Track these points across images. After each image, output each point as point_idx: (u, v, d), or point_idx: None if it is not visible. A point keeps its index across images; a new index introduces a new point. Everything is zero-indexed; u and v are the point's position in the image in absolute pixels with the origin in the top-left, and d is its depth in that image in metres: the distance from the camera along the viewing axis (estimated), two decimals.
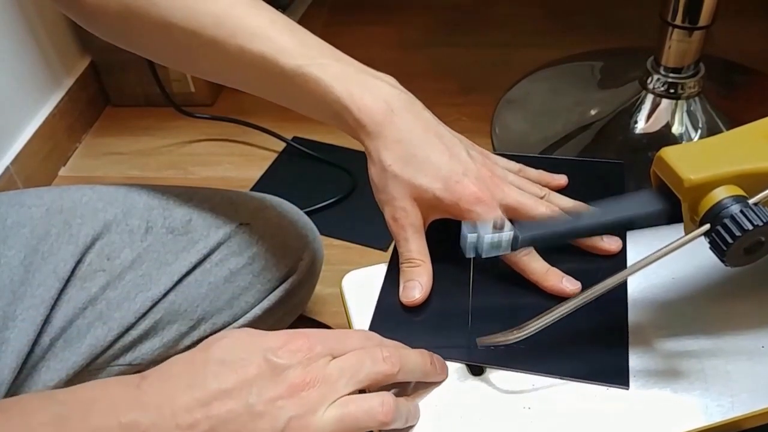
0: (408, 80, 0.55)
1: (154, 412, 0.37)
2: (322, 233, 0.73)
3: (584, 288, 0.46)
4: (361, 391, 0.41)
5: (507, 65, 1.24)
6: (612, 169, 0.61)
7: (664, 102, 1.00)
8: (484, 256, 0.43)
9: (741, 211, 0.39)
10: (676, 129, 1.00)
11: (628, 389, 0.43)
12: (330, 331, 0.43)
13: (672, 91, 0.99)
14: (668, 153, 0.42)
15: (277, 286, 0.66)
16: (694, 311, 0.48)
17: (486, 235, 0.42)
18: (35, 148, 1.08)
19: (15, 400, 0.40)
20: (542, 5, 1.42)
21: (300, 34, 0.54)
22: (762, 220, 0.38)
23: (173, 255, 0.61)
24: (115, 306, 0.58)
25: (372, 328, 0.49)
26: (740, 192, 0.40)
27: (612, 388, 0.44)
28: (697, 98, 1.00)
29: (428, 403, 0.44)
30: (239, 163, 1.12)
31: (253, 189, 1.05)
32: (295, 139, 1.12)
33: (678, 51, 0.96)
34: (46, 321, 0.56)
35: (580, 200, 0.54)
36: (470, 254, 0.43)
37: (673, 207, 0.42)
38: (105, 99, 1.26)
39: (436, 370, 0.45)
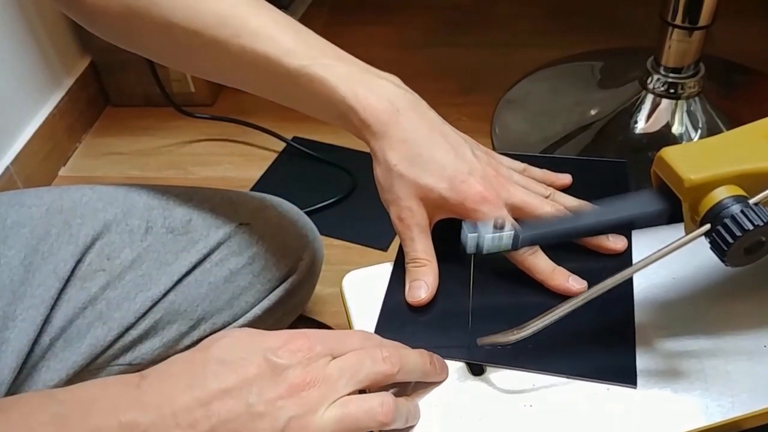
0: (408, 80, 0.55)
1: (154, 412, 0.37)
2: (322, 233, 0.73)
3: (590, 287, 0.46)
4: (362, 392, 0.41)
5: (507, 65, 1.24)
6: (616, 167, 0.61)
7: (664, 102, 1.00)
8: (484, 254, 0.43)
9: (741, 211, 0.39)
10: (676, 129, 1.00)
11: (635, 388, 0.43)
12: (330, 332, 0.43)
13: (672, 91, 0.99)
14: (668, 153, 0.42)
15: (277, 286, 0.66)
16: (695, 311, 0.48)
17: (486, 234, 0.42)
18: (35, 148, 1.08)
19: (14, 399, 0.40)
20: (542, 5, 1.42)
21: (304, 34, 0.54)
22: (762, 220, 0.38)
23: (173, 255, 0.61)
24: (115, 306, 0.58)
25: (378, 327, 0.49)
26: (741, 192, 0.40)
27: (612, 389, 0.44)
28: (697, 98, 1.00)
29: (428, 403, 0.44)
30: (239, 163, 1.12)
31: (253, 189, 1.05)
32: (295, 139, 1.12)
33: (678, 51, 0.96)
34: (46, 321, 0.56)
35: (584, 199, 0.54)
36: (471, 253, 0.43)
37: (673, 207, 0.42)
38: (105, 99, 1.26)
39: (436, 370, 0.45)
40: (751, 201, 0.40)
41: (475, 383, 0.45)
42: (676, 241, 0.40)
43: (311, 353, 0.40)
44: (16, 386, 0.54)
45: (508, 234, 0.42)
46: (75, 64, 1.21)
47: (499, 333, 0.44)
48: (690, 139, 0.99)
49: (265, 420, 0.37)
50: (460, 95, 1.20)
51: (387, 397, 0.40)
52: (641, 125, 1.01)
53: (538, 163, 0.58)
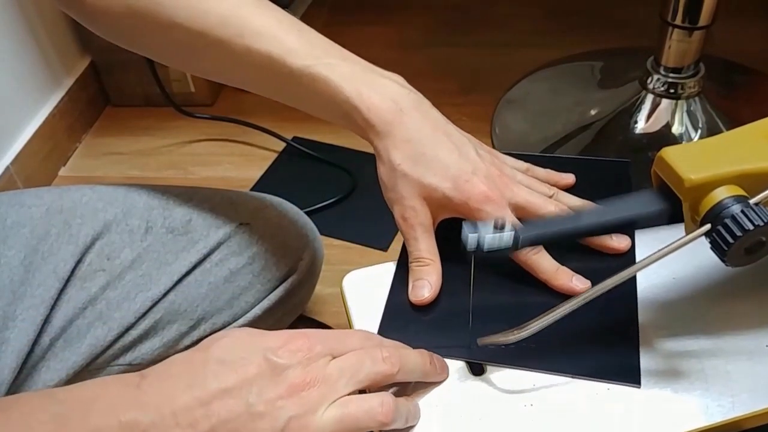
0: (408, 80, 0.55)
1: (154, 412, 0.37)
2: (322, 233, 0.73)
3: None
4: (362, 392, 0.41)
5: (507, 65, 1.24)
6: (618, 167, 0.61)
7: (664, 102, 1.00)
8: (486, 254, 0.43)
9: (742, 211, 0.39)
10: (676, 129, 1.00)
11: (639, 387, 0.43)
12: (330, 331, 0.43)
13: (672, 91, 0.99)
14: (669, 153, 0.42)
15: (277, 286, 0.66)
16: (695, 311, 0.48)
17: (486, 234, 0.42)
18: (35, 148, 1.08)
19: (14, 398, 0.40)
20: (542, 5, 1.42)
21: (307, 34, 0.54)
22: (763, 220, 0.38)
23: (173, 255, 0.61)
24: (115, 306, 0.58)
25: (381, 326, 0.49)
26: (741, 192, 0.40)
27: (612, 388, 0.44)
28: (697, 98, 1.00)
29: (428, 403, 0.44)
30: (239, 163, 1.12)
31: (253, 189, 1.05)
32: (295, 139, 1.12)
33: (678, 51, 0.96)
34: (46, 321, 0.56)
35: (587, 199, 0.54)
36: (471, 253, 0.43)
37: (673, 207, 0.42)
38: (105, 99, 1.26)
39: (436, 370, 0.45)
40: (752, 201, 0.40)
41: (475, 383, 0.45)
42: (676, 241, 0.40)
43: (311, 353, 0.40)
44: (16, 386, 0.54)
45: (508, 234, 0.42)
46: (75, 64, 1.21)
47: (500, 333, 0.44)
48: (690, 139, 0.99)
49: (265, 420, 0.37)
50: (460, 95, 1.20)
51: (387, 397, 0.40)
52: (641, 125, 1.01)
53: (541, 162, 0.58)
